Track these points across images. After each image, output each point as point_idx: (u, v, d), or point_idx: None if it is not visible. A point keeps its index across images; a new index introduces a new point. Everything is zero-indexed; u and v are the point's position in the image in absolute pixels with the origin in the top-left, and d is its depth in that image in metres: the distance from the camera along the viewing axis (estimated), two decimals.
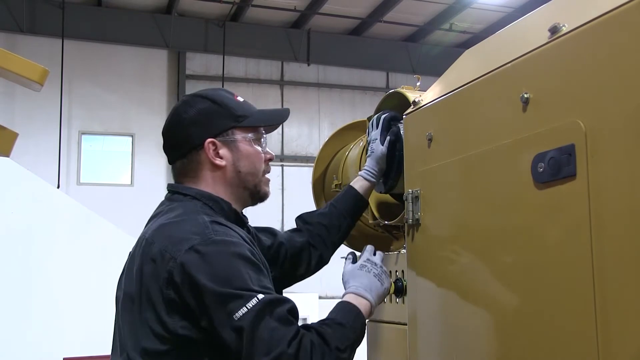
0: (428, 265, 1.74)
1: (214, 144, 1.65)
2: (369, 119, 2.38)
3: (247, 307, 1.37)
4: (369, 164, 2.09)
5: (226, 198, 1.66)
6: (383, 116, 2.11)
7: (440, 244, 1.68)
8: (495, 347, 1.44)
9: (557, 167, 1.21)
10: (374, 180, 2.08)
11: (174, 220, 1.54)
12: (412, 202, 1.77)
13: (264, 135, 1.77)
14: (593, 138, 1.14)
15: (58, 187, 9.78)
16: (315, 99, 13.01)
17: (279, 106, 12.71)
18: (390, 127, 2.10)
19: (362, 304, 1.62)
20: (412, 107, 1.87)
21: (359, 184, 2.09)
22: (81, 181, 11.36)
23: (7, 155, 3.62)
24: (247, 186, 1.71)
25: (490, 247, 1.45)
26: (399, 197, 2.14)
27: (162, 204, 1.70)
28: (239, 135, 1.68)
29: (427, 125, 1.75)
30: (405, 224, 1.82)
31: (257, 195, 1.75)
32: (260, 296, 1.40)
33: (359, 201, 2.07)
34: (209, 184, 1.66)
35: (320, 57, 12.69)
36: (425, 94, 1.87)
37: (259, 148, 1.73)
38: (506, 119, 1.39)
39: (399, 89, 2.20)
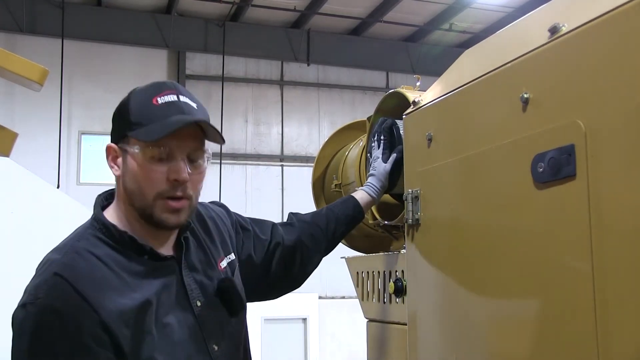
0: (428, 265, 1.74)
1: (112, 150, 1.47)
2: (369, 118, 2.38)
3: None
4: (372, 181, 2.05)
5: (126, 216, 1.48)
6: (382, 137, 2.08)
7: (440, 243, 1.68)
8: (495, 346, 1.44)
9: (557, 167, 1.21)
10: (376, 197, 2.04)
11: (46, 257, 1.44)
12: (412, 202, 1.77)
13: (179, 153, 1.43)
14: (593, 138, 1.14)
15: (58, 187, 9.78)
16: (315, 98, 13.00)
17: (278, 106, 12.73)
18: (392, 139, 2.09)
19: None
20: (412, 107, 1.87)
21: (359, 195, 2.04)
22: (81, 181, 11.35)
23: (7, 155, 3.62)
24: (135, 206, 1.45)
25: (490, 247, 1.45)
26: (399, 197, 2.14)
27: None
28: (129, 146, 1.43)
29: (427, 125, 1.75)
30: (405, 223, 1.82)
31: (151, 221, 1.45)
32: None
33: (357, 212, 2.01)
34: (117, 196, 1.51)
35: (320, 57, 12.69)
36: (425, 94, 1.86)
37: (151, 165, 1.41)
38: (506, 119, 1.39)
39: (399, 89, 2.20)
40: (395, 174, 2.05)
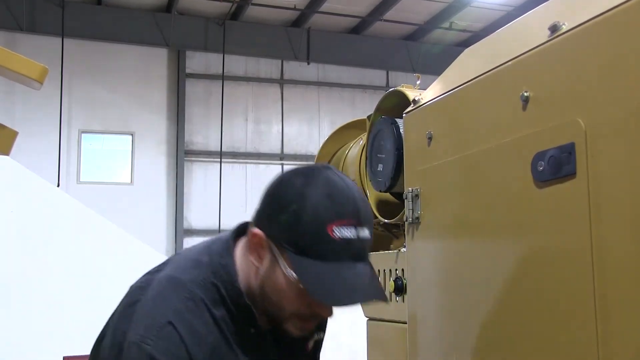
0: (428, 264, 1.74)
1: (257, 238, 1.29)
2: (369, 117, 2.38)
3: None
4: None
5: (249, 284, 1.34)
6: None
7: (440, 242, 1.68)
8: (495, 345, 1.44)
9: (557, 166, 1.21)
10: None
11: (162, 289, 1.32)
12: (412, 201, 1.77)
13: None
14: (593, 137, 1.14)
15: (58, 185, 9.78)
16: (315, 97, 13.01)
17: (278, 105, 12.72)
18: None
19: None
20: (412, 105, 1.87)
21: None
22: (81, 180, 11.36)
23: (7, 154, 3.62)
24: (266, 309, 1.32)
25: (490, 245, 1.45)
26: (399, 195, 2.14)
27: (216, 240, 1.42)
28: (284, 262, 1.25)
29: (427, 124, 1.74)
30: (405, 222, 1.82)
31: (276, 326, 1.35)
32: None
33: None
34: (247, 261, 1.34)
35: (320, 55, 12.70)
36: (425, 93, 1.86)
37: (301, 294, 1.26)
38: (506, 118, 1.39)
39: (399, 88, 2.20)
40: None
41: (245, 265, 1.35)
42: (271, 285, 1.29)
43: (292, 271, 1.24)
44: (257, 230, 1.29)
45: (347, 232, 1.23)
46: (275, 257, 1.27)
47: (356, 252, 1.24)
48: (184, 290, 1.30)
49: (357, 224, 1.24)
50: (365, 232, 1.26)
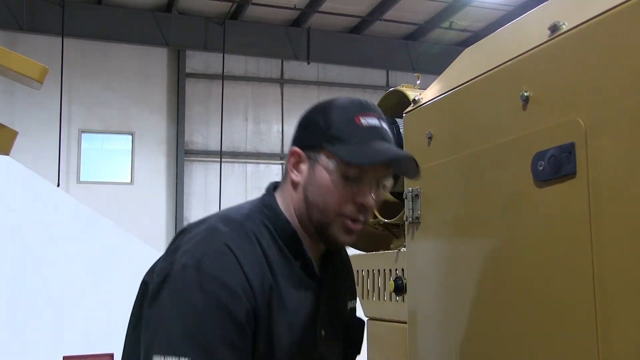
0: (428, 264, 1.74)
1: (297, 155, 1.39)
2: None
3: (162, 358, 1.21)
4: None
5: (296, 221, 1.41)
6: None
7: (440, 242, 1.68)
8: (495, 345, 1.44)
9: (557, 166, 1.21)
10: None
11: (209, 223, 1.36)
12: (412, 200, 1.77)
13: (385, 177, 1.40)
14: (593, 137, 1.14)
15: (58, 185, 9.79)
16: (315, 97, 13.00)
17: (278, 105, 12.72)
18: None
19: None
20: (412, 105, 1.87)
21: None
22: (81, 179, 11.36)
23: (7, 154, 3.62)
24: (312, 219, 1.38)
25: (490, 245, 1.45)
26: (399, 195, 2.14)
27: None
28: (322, 157, 1.35)
29: (427, 124, 1.75)
30: (406, 222, 1.82)
31: (324, 237, 1.40)
32: None
33: None
34: (285, 196, 1.43)
35: (320, 55, 12.70)
36: (425, 92, 1.86)
37: (342, 184, 1.35)
38: (506, 117, 1.39)
39: (399, 87, 2.20)
40: None
41: (284, 199, 1.43)
42: (314, 188, 1.38)
43: (332, 159, 1.35)
44: (294, 148, 1.41)
45: (372, 121, 1.37)
46: (314, 159, 1.37)
47: (383, 136, 1.37)
48: (234, 225, 1.35)
49: (380, 118, 1.39)
50: (386, 126, 1.40)
